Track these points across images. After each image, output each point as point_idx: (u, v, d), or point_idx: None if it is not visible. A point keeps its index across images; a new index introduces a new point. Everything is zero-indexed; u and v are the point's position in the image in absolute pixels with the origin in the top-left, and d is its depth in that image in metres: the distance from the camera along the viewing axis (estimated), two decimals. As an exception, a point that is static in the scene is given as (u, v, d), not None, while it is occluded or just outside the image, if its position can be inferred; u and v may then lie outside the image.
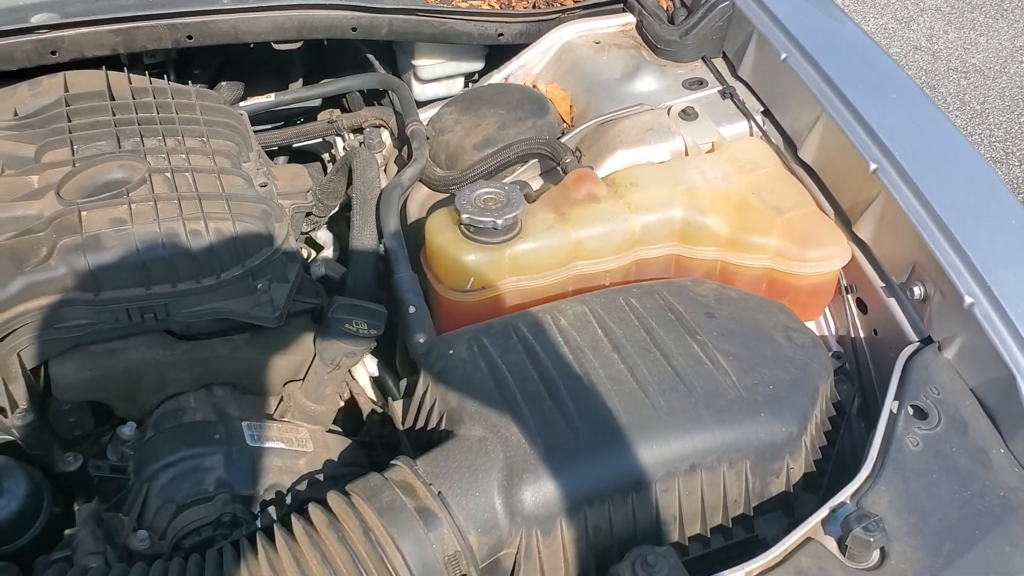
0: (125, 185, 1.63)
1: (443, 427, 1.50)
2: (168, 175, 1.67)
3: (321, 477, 1.56)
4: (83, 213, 1.56)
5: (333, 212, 2.13)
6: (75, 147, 1.71)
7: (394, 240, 1.75)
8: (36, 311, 1.50)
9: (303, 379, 1.69)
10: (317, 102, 2.58)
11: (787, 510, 1.52)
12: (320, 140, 2.45)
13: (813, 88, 1.97)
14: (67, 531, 1.51)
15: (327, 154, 2.55)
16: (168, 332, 1.63)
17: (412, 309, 1.69)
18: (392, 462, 1.43)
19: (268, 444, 1.56)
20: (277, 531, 1.31)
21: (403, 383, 1.70)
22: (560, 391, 1.45)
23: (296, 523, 1.32)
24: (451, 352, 1.54)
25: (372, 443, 1.76)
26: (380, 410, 1.82)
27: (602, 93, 2.17)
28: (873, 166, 1.80)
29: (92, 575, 1.35)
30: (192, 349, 1.61)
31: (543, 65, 2.32)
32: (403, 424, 1.64)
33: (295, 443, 1.59)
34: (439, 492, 1.33)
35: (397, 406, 1.68)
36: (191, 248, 1.55)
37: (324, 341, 1.60)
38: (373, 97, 2.61)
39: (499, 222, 1.68)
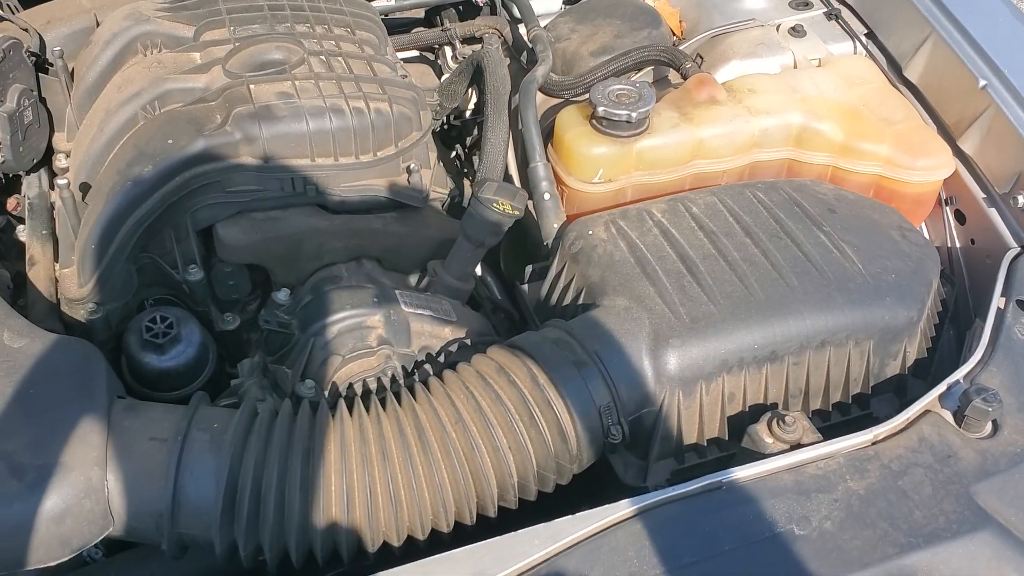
0: (284, 64, 1.70)
1: (582, 301, 1.58)
2: (323, 58, 1.73)
3: (463, 344, 1.64)
4: (251, 86, 1.63)
5: (449, 113, 2.20)
6: (232, 29, 1.78)
7: (532, 130, 1.81)
8: (211, 173, 1.57)
9: (444, 255, 1.76)
10: (420, 13, 2.62)
11: (899, 392, 1.60)
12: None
13: (922, 9, 2.02)
14: (232, 381, 1.61)
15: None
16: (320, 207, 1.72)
17: (547, 196, 1.76)
18: (545, 324, 1.51)
19: (419, 311, 1.64)
20: (451, 375, 1.40)
21: (528, 268, 1.78)
22: (699, 269, 1.52)
23: (467, 369, 1.41)
24: (590, 233, 1.62)
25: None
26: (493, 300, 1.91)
27: (712, 9, 2.22)
28: (983, 82, 1.86)
29: (282, 407, 1.41)
30: (348, 221, 1.69)
31: (651, -18, 2.37)
32: (532, 304, 1.73)
33: (440, 312, 1.67)
34: (594, 350, 1.42)
35: (525, 288, 1.77)
36: (353, 125, 1.62)
37: (470, 220, 1.67)
38: (468, 13, 2.65)
39: (633, 115, 1.74)
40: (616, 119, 1.75)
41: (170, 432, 1.29)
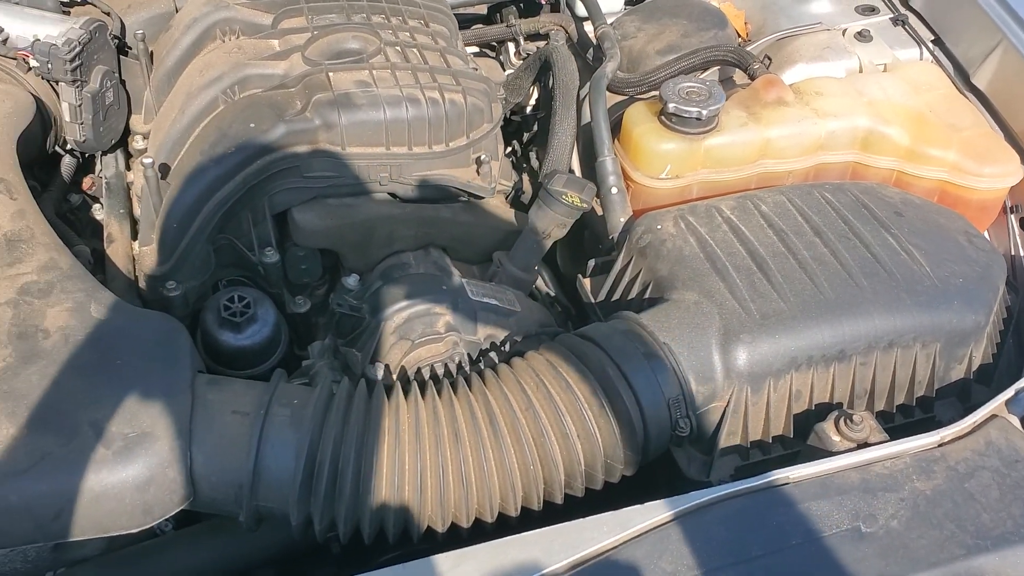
0: (361, 54, 1.72)
1: (649, 295, 1.59)
2: (398, 48, 1.76)
3: (527, 333, 1.66)
4: (330, 74, 1.66)
5: (513, 107, 2.22)
6: (310, 17, 1.81)
7: (601, 125, 1.83)
8: (290, 158, 1.60)
9: (508, 247, 1.78)
10: (483, 9, 2.65)
11: (962, 397, 1.59)
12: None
13: (993, 16, 2.01)
14: (304, 362, 1.64)
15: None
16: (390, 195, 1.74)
17: (614, 190, 1.77)
18: (613, 316, 1.52)
19: (485, 299, 1.66)
20: (521, 362, 1.42)
21: (591, 262, 1.79)
22: (768, 266, 1.53)
23: (537, 357, 1.42)
24: (659, 227, 1.63)
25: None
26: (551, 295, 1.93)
27: (779, 12, 2.23)
28: (1054, 91, 1.85)
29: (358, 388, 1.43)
30: (419, 209, 1.71)
31: (716, -16, 2.38)
32: (595, 298, 1.74)
33: (505, 302, 1.69)
34: (664, 342, 1.43)
35: (587, 282, 1.78)
36: (428, 115, 1.64)
37: (539, 211, 1.69)
38: (528, 10, 2.67)
39: (704, 113, 1.75)
40: (686, 116, 1.76)
41: (252, 406, 1.31)
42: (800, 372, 1.46)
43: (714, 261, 1.54)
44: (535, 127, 2.44)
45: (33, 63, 1.69)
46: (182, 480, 1.26)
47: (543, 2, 2.61)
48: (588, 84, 1.94)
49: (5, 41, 1.72)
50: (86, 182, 1.94)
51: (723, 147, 1.82)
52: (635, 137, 1.83)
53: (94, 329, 1.34)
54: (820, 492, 1.33)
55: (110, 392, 1.27)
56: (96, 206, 1.86)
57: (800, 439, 1.47)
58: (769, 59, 2.09)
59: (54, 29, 1.71)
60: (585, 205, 1.67)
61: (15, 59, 1.73)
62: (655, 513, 1.28)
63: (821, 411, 1.47)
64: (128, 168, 1.90)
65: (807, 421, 1.47)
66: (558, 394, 1.36)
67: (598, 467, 1.37)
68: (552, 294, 1.97)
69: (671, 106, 1.76)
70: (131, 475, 1.22)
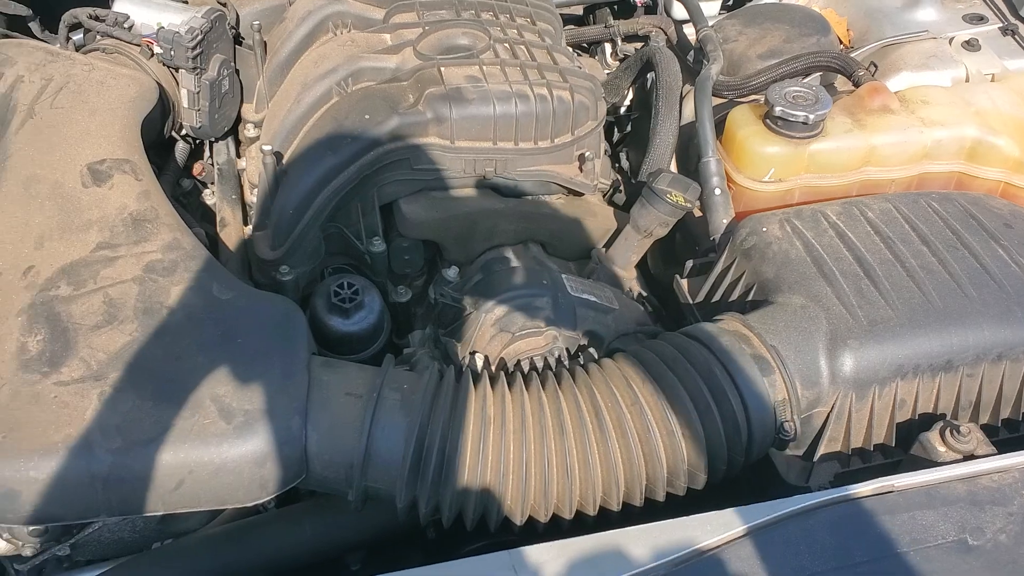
0: (471, 50, 1.75)
1: (753, 297, 1.58)
2: (507, 45, 1.78)
3: (626, 331, 1.66)
4: (442, 68, 1.68)
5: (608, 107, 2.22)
6: (421, 13, 1.84)
7: (706, 126, 1.82)
8: (402, 150, 1.63)
9: (606, 245, 1.79)
10: (578, 11, 2.66)
11: (1069, 412, 1.55)
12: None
13: (1108, 28, 1.96)
14: (405, 350, 1.66)
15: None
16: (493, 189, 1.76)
17: (717, 191, 1.77)
18: (719, 317, 1.52)
19: (584, 295, 1.66)
20: (627, 358, 1.42)
21: (689, 263, 1.79)
22: (876, 273, 1.51)
23: (644, 353, 1.42)
24: (764, 230, 1.62)
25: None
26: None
27: (883, 19, 2.19)
28: None
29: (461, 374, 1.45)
30: (521, 204, 1.73)
31: (818, -10, 2.36)
32: (692, 298, 1.74)
33: (603, 299, 1.69)
34: (772, 345, 1.42)
35: (684, 283, 1.77)
36: (536, 111, 1.66)
37: (642, 209, 1.69)
38: (622, 12, 2.67)
39: (811, 117, 1.74)
40: (792, 120, 1.75)
41: (364, 389, 1.34)
42: (906, 381, 1.44)
43: (821, 265, 1.53)
44: (628, 128, 2.45)
45: (157, 50, 1.75)
46: (297, 457, 1.29)
47: (638, 4, 2.62)
48: (692, 86, 1.93)
49: (130, 28, 1.78)
50: (196, 168, 1.99)
51: (827, 153, 1.80)
52: (739, 139, 1.82)
53: (216, 308, 1.37)
54: (925, 502, 1.31)
55: (231, 369, 1.31)
56: (207, 191, 1.91)
57: (901, 448, 1.45)
58: (875, 66, 2.06)
59: (176, 18, 1.77)
60: (689, 205, 1.67)
61: (139, 46, 1.79)
62: (759, 515, 1.27)
63: (924, 421, 1.45)
64: (239, 155, 1.95)
65: (909, 431, 1.44)
66: (664, 391, 1.36)
67: (702, 466, 1.36)
68: (644, 294, 1.97)
69: (778, 109, 1.75)
70: (250, 450, 1.26)
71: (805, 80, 2.11)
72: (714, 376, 1.37)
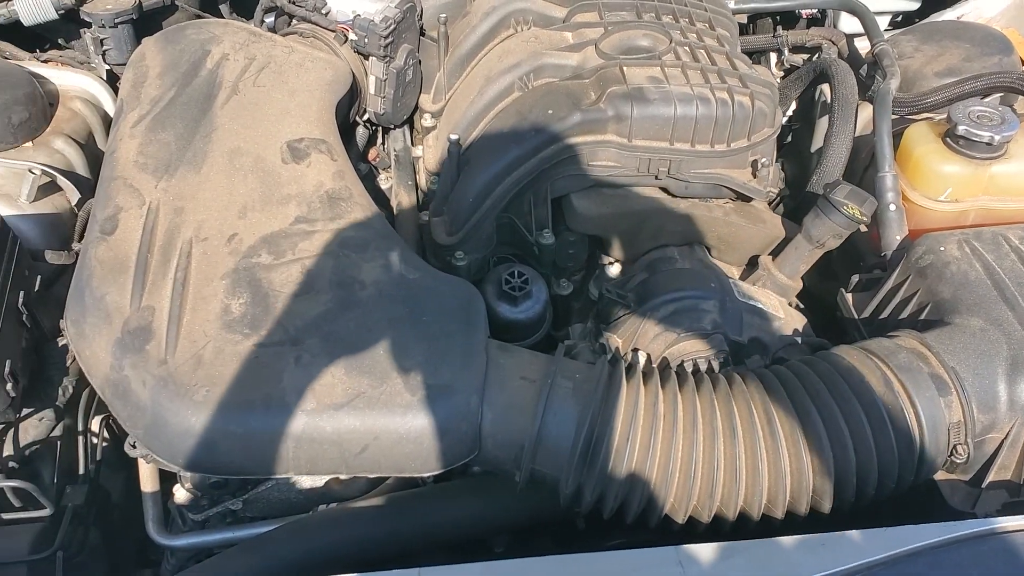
0: (651, 51, 1.75)
1: (927, 316, 1.54)
2: (687, 48, 1.78)
3: (791, 341, 1.64)
4: (624, 68, 1.70)
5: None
6: (602, 13, 1.86)
7: (885, 140, 1.78)
8: (581, 146, 1.65)
9: (772, 253, 1.77)
10: (742, 19, 2.63)
11: None
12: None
13: None
14: (566, 342, 1.68)
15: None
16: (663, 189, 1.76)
17: (892, 207, 1.73)
18: (894, 333, 1.49)
19: (752, 302, 1.66)
20: (799, 367, 1.41)
21: (855, 278, 1.76)
22: (1062, 301, 1.45)
23: (818, 364, 1.41)
24: (942, 249, 1.58)
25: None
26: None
27: (1071, 40, 2.11)
28: None
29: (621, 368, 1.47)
30: (692, 206, 1.72)
31: (1000, 10, 2.27)
32: (858, 313, 1.71)
33: (769, 307, 1.68)
34: (951, 366, 1.38)
35: (849, 297, 1.74)
36: (716, 114, 1.65)
37: (816, 219, 1.67)
38: (784, 22, 2.64)
39: (996, 138, 1.68)
40: (976, 140, 1.70)
41: (538, 375, 1.36)
42: (1088, 414, 1.39)
43: (1002, 289, 1.48)
44: (789, 139, 2.42)
45: (352, 36, 1.81)
46: (472, 434, 1.32)
47: (804, 16, 2.58)
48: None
49: (327, 14, 1.86)
50: (372, 153, 2.06)
51: (1009, 175, 1.74)
52: (916, 156, 1.78)
53: (404, 286, 1.42)
54: (1105, 541, 1.26)
55: (416, 344, 1.35)
56: (382, 176, 1.97)
57: (1077, 483, 1.40)
58: (1066, 89, 1.98)
59: (371, 6, 1.84)
60: (865, 218, 1.64)
61: (334, 31, 1.87)
62: (929, 535, 1.24)
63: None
64: (413, 143, 2.01)
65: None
66: (838, 403, 1.35)
67: (871, 482, 1.34)
68: (800, 305, 1.94)
69: (961, 128, 1.70)
70: (431, 423, 1.30)
71: (985, 100, 2.04)
72: (891, 392, 1.34)
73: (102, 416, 1.82)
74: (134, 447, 1.61)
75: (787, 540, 1.25)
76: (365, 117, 1.96)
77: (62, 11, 2.12)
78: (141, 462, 1.66)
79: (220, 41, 1.80)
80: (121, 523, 1.88)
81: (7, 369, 1.51)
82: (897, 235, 1.71)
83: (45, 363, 1.73)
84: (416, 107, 2.01)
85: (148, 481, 1.66)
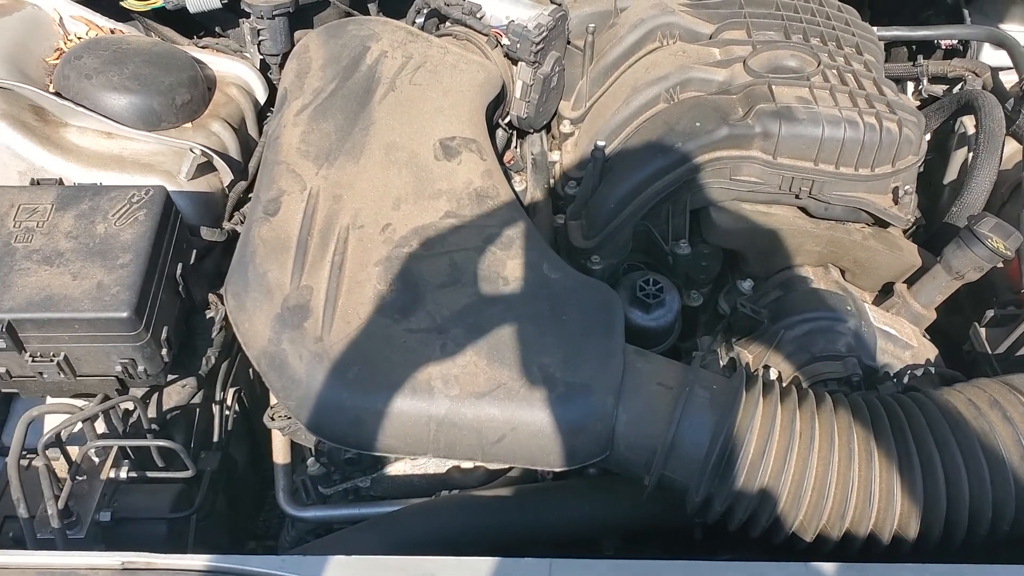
0: (799, 72, 1.75)
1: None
2: (835, 71, 1.77)
3: (926, 371, 1.62)
4: (773, 86, 1.70)
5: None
6: (750, 32, 1.86)
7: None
8: (726, 160, 1.66)
9: (908, 281, 1.75)
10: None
11: None
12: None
13: None
14: (694, 353, 1.69)
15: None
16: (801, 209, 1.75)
17: (1047, 243, 1.69)
18: (1036, 370, 1.46)
19: (886, 328, 1.63)
20: (939, 397, 1.39)
21: (989, 312, 1.72)
22: None
23: (956, 395, 1.38)
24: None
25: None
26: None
27: None
28: None
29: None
30: (832, 228, 1.71)
31: None
32: (991, 348, 1.67)
33: (903, 336, 1.66)
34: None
35: (982, 331, 1.71)
36: (864, 138, 1.63)
37: (957, 250, 1.64)
38: (921, 51, 2.58)
39: None
40: None
41: (675, 382, 1.37)
42: None
43: None
44: (921, 168, 2.37)
45: (505, 41, 1.86)
46: (606, 435, 1.34)
47: (942, 47, 2.53)
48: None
49: (481, 18, 1.90)
50: (507, 156, 2.10)
51: None
52: (1068, 192, 1.74)
53: (546, 285, 1.45)
54: None
55: (556, 342, 1.38)
56: (516, 179, 2.01)
57: None
58: None
59: (525, 13, 1.88)
60: (1009, 253, 1.60)
61: (487, 35, 1.91)
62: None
63: None
64: (550, 148, 2.04)
65: None
66: (978, 436, 1.32)
67: (1007, 514, 1.31)
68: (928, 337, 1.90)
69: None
70: (567, 419, 1.32)
71: None
72: (1033, 427, 1.32)
73: (235, 388, 1.90)
74: (273, 419, 1.68)
75: (913, 568, 1.23)
76: (506, 120, 2.00)
77: (225, 0, 2.22)
78: (276, 434, 1.73)
79: (379, 38, 1.86)
80: (244, 492, 1.96)
81: (164, 335, 1.58)
82: (1048, 271, 1.67)
83: (192, 333, 1.81)
84: (555, 113, 2.04)
85: (281, 453, 1.73)
